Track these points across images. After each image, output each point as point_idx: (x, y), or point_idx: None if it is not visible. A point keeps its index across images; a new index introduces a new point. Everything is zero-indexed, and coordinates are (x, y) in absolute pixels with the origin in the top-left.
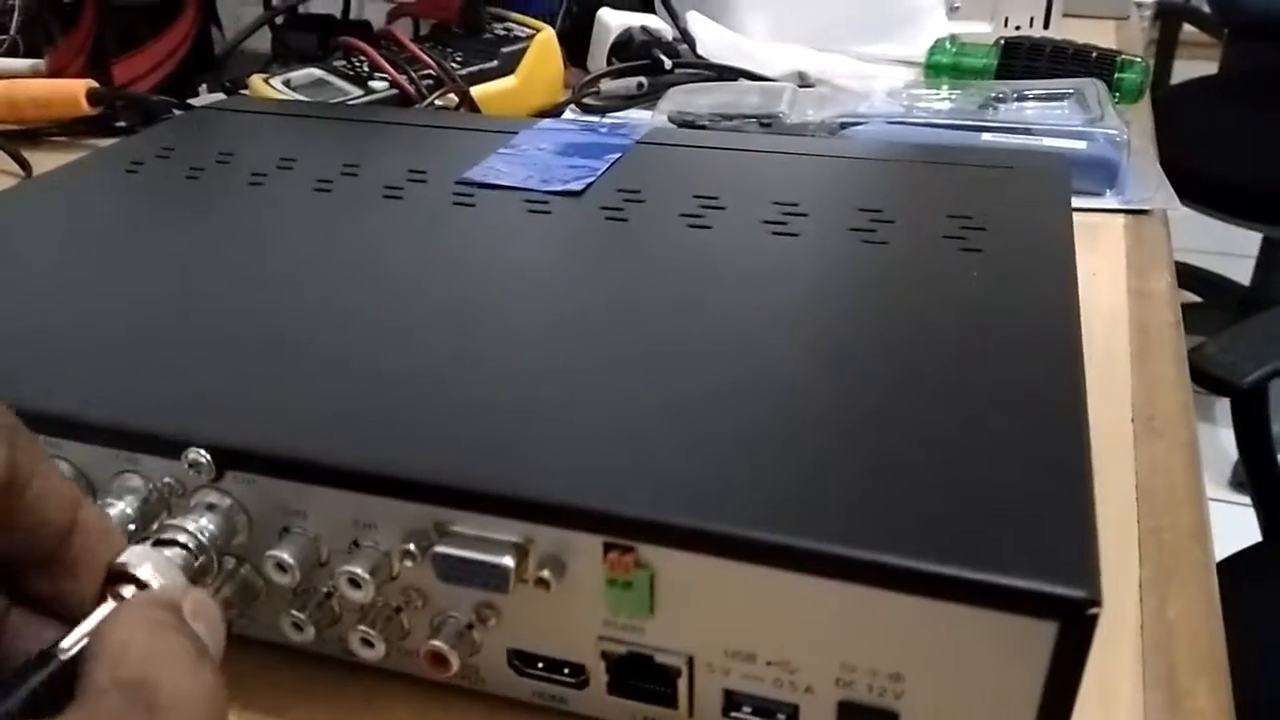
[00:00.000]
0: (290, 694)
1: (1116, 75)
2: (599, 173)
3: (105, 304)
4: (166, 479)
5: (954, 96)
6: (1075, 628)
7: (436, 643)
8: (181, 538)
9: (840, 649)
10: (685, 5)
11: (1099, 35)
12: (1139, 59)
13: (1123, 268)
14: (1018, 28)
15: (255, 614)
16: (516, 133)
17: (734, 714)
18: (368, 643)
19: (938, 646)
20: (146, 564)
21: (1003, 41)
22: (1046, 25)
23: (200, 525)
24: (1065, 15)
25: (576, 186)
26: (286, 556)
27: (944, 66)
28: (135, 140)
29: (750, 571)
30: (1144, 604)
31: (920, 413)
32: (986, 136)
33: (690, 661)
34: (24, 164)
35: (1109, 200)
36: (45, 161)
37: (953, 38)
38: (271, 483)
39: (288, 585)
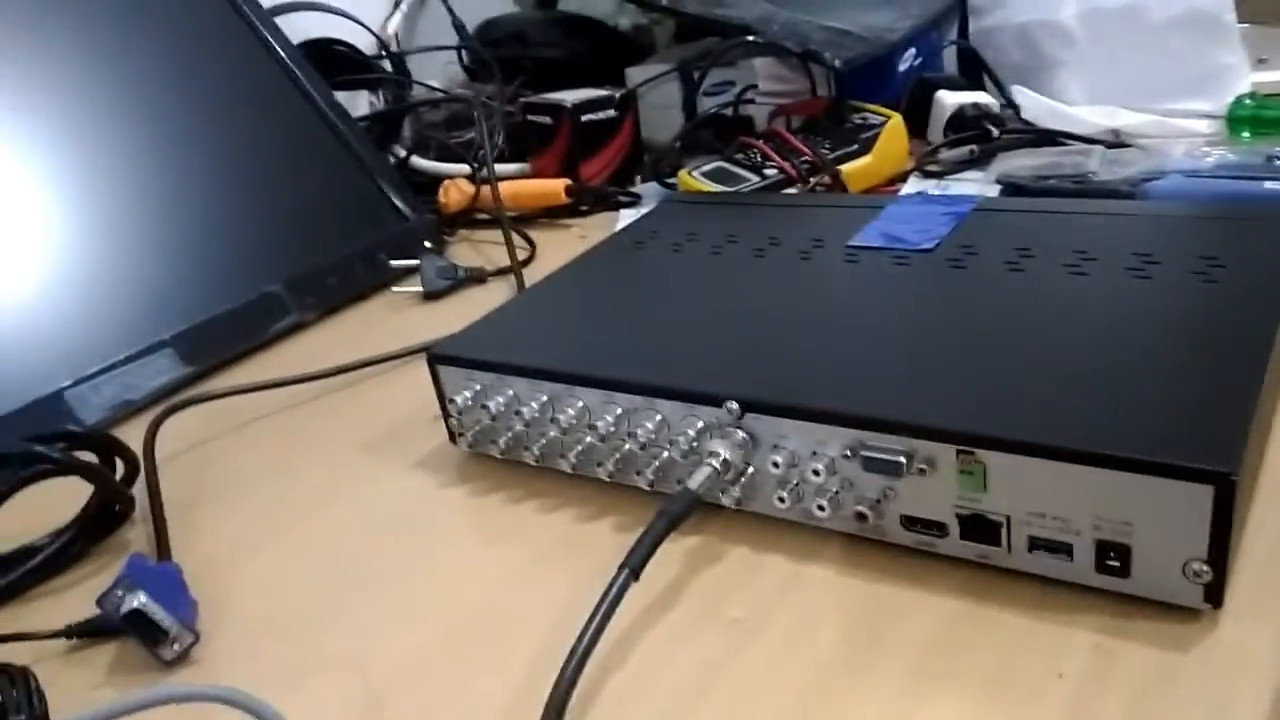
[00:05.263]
0: (771, 544)
1: None
2: (945, 235)
3: (669, 319)
4: (710, 419)
5: (1242, 151)
6: (1224, 490)
7: (861, 507)
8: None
9: (1093, 507)
10: (1010, 79)
11: None
12: None
13: None
14: None
15: (754, 497)
16: (882, 207)
17: (1034, 550)
18: (821, 508)
19: (1149, 503)
20: None
21: None
22: None
23: (727, 444)
24: None
25: (929, 245)
26: (780, 459)
27: (1244, 120)
28: (631, 229)
29: (1039, 463)
30: None
31: (1151, 362)
32: (1269, 185)
33: (1008, 519)
34: (530, 240)
35: None
36: (539, 237)
37: (1253, 93)
38: (771, 420)
39: (778, 476)
